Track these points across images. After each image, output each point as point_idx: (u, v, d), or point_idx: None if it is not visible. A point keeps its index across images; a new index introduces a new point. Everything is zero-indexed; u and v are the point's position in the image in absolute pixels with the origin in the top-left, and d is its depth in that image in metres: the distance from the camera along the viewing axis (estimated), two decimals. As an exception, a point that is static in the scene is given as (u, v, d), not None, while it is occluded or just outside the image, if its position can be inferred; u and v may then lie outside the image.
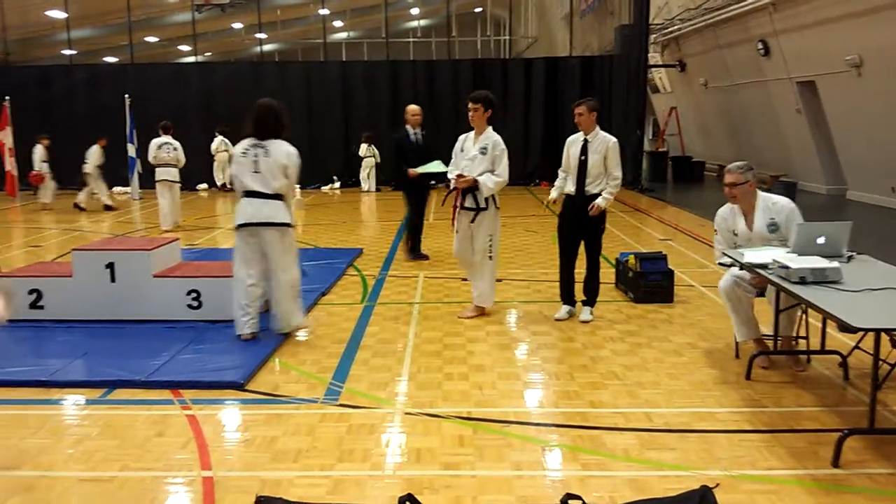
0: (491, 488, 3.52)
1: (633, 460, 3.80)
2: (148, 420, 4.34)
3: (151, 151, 12.25)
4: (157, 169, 12.23)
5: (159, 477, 3.65)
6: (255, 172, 5.68)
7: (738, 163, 5.10)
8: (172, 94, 18.19)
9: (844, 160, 14.75)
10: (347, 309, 6.84)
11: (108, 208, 15.01)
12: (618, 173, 6.20)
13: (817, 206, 13.66)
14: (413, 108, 8.98)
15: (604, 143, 6.17)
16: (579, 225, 6.30)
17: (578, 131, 6.28)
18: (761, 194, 5.07)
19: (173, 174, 12.32)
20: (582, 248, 6.41)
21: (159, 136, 12.32)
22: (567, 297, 6.53)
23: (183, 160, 12.56)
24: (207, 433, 4.14)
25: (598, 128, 6.23)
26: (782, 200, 5.06)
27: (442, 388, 4.81)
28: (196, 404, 4.56)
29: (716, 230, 5.29)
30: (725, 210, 5.18)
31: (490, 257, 6.48)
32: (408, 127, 8.88)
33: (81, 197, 15.12)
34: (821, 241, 4.61)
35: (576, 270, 6.52)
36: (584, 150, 6.18)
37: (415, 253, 9.10)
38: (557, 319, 6.40)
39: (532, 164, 18.82)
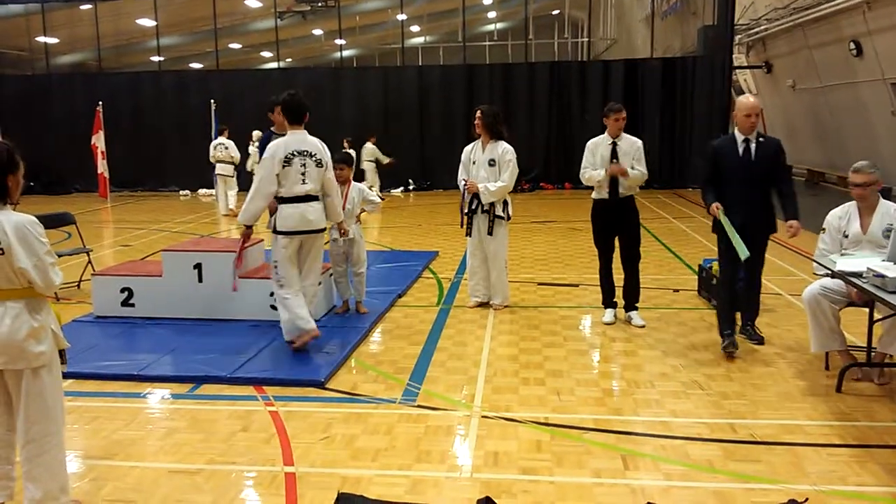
0: (571, 495, 3.48)
1: (717, 472, 3.70)
2: (233, 415, 4.47)
3: (211, 151, 14.98)
4: (216, 165, 14.88)
5: (244, 471, 3.75)
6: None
7: (864, 162, 4.95)
8: (255, 99, 18.70)
9: (943, 165, 14.02)
10: (423, 311, 6.89)
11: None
12: (646, 170, 6.34)
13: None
14: None
15: (632, 145, 6.24)
16: (615, 227, 6.35)
17: (599, 135, 6.38)
18: (882, 199, 4.95)
19: (227, 170, 14.89)
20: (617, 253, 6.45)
21: (216, 137, 15.14)
22: (609, 300, 6.50)
23: (237, 157, 14.92)
24: (289, 429, 4.23)
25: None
26: None
27: (518, 393, 4.79)
28: (278, 401, 4.67)
29: (823, 229, 5.10)
30: (840, 210, 5.05)
31: (502, 259, 6.81)
32: None
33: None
34: (920, 249, 4.38)
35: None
36: (615, 153, 6.19)
37: None
38: (606, 323, 6.37)
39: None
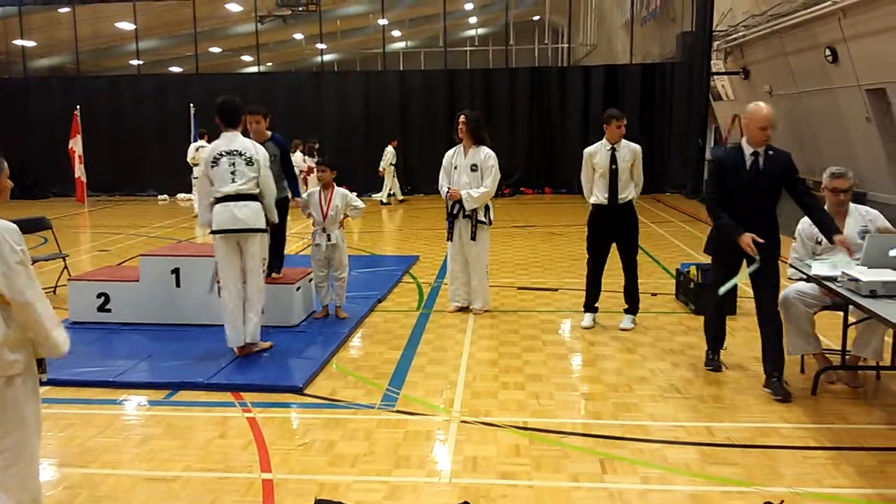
0: (549, 499, 3.49)
1: (694, 475, 3.72)
2: (210, 422, 4.44)
3: (190, 153, 14.95)
4: (194, 168, 14.54)
5: (221, 478, 3.72)
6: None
7: (840, 168, 4.97)
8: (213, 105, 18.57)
9: (917, 170, 14.22)
10: (403, 316, 6.88)
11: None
12: (641, 178, 6.38)
13: (887, 217, 13.16)
14: None
15: (631, 151, 6.25)
16: (614, 232, 6.34)
17: (597, 141, 6.38)
18: (851, 203, 5.01)
19: None
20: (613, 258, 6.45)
21: (196, 140, 15.25)
22: (591, 304, 6.53)
23: None
24: (267, 436, 4.21)
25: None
26: (875, 211, 5.03)
27: (498, 397, 4.79)
28: (256, 407, 4.64)
29: (795, 237, 5.14)
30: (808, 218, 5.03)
31: (483, 264, 6.82)
32: None
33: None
34: (893, 253, 4.44)
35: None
36: (614, 159, 6.20)
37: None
38: (585, 327, 6.40)
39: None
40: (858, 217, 4.93)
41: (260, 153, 5.53)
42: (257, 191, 5.49)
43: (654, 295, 7.45)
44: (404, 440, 4.13)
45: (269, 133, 6.42)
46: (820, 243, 4.96)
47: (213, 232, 5.44)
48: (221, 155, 5.40)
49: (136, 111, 19.59)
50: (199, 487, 3.63)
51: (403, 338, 6.15)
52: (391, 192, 17.47)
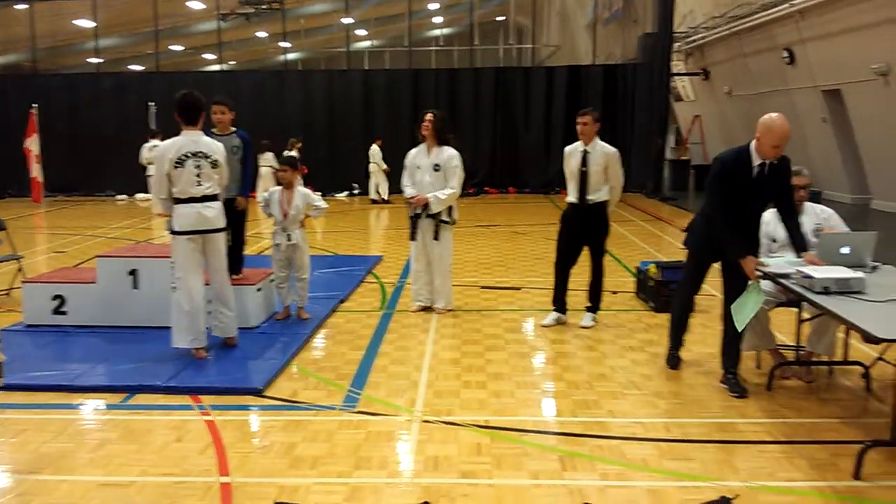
0: (509, 497, 3.50)
1: (652, 470, 3.76)
2: (167, 425, 4.38)
3: (143, 153, 15.15)
4: (148, 167, 14.89)
5: (178, 482, 3.67)
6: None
7: (797, 166, 4.98)
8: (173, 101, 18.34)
9: (870, 169, 14.57)
10: (366, 316, 6.86)
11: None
12: (618, 182, 6.34)
13: (842, 216, 13.44)
14: None
15: (604, 155, 6.23)
16: (583, 232, 6.36)
17: (575, 141, 6.35)
18: (806, 202, 5.10)
19: None
20: (583, 257, 6.48)
21: (148, 141, 15.30)
22: (560, 303, 6.55)
23: None
24: (226, 439, 4.16)
25: (597, 138, 6.28)
26: (829, 209, 5.12)
27: (460, 396, 4.80)
28: (215, 410, 4.59)
29: None
30: (767, 216, 5.09)
31: (447, 263, 6.81)
32: None
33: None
34: (845, 251, 4.55)
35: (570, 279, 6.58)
36: (585, 161, 6.23)
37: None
38: (544, 326, 6.46)
39: (553, 171, 18.71)
40: (813, 215, 5.03)
41: (221, 153, 5.49)
42: (218, 192, 5.48)
43: (615, 293, 7.53)
44: (365, 441, 4.12)
45: (233, 129, 6.41)
46: (776, 241, 5.05)
47: (177, 233, 5.37)
48: (187, 156, 5.31)
49: (94, 110, 19.24)
50: (155, 492, 3.58)
51: (366, 338, 6.13)
52: (378, 191, 17.54)
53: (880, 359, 4.98)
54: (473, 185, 18.62)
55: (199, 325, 5.43)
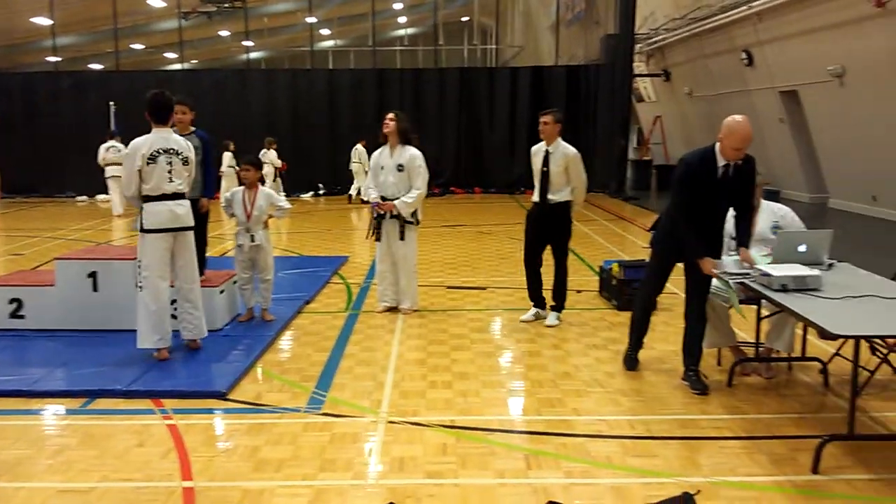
0: (474, 497, 3.51)
1: (616, 468, 3.80)
2: (128, 430, 4.31)
3: (101, 154, 14.98)
4: (106, 168, 14.91)
5: (139, 488, 3.62)
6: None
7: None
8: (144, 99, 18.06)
9: (826, 169, 14.89)
10: (331, 317, 6.82)
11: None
12: (580, 182, 6.38)
13: (799, 215, 13.71)
14: None
15: (564, 156, 6.29)
16: (545, 231, 6.42)
17: (540, 141, 6.41)
18: (763, 200, 5.19)
19: (119, 171, 14.78)
20: (548, 255, 6.54)
21: (106, 142, 15.14)
22: (535, 299, 6.62)
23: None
24: (189, 443, 4.11)
25: (559, 139, 6.34)
26: (786, 207, 5.21)
27: (426, 397, 4.80)
28: (177, 414, 4.52)
29: None
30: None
31: (412, 264, 6.82)
32: None
33: None
34: (802, 249, 4.64)
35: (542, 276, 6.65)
36: (546, 161, 6.29)
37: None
38: (523, 321, 6.52)
39: (517, 171, 18.85)
40: (770, 214, 5.13)
41: (191, 151, 5.52)
42: (187, 189, 5.50)
43: (579, 292, 7.59)
44: (330, 443, 4.10)
45: (193, 128, 6.38)
46: (734, 239, 5.14)
47: (146, 231, 5.31)
48: (159, 153, 5.29)
49: (53, 109, 18.86)
50: (116, 498, 3.52)
51: (331, 339, 6.10)
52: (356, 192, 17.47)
53: (837, 354, 5.09)
54: (439, 185, 18.65)
55: (165, 326, 5.39)
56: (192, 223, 5.51)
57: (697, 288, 4.84)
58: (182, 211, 5.41)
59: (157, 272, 5.36)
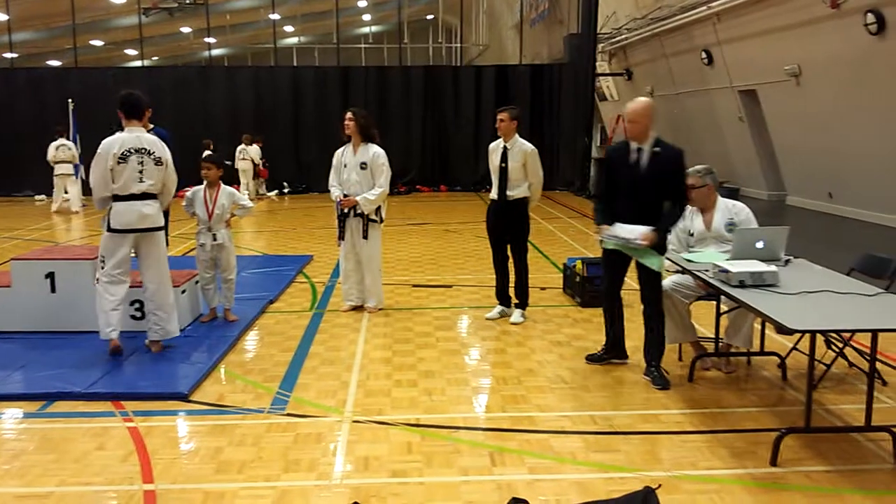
0: (438, 495, 3.52)
1: (579, 463, 3.84)
2: (88, 433, 4.24)
3: (50, 153, 14.98)
4: (56, 165, 14.98)
5: (99, 491, 3.56)
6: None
7: (698, 167, 5.21)
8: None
9: (784, 167, 15.16)
10: (296, 317, 6.78)
11: None
12: (537, 178, 6.44)
13: (758, 212, 13.86)
14: None
15: (522, 152, 6.34)
16: (503, 228, 6.47)
17: (499, 138, 6.45)
18: (720, 198, 5.24)
19: (68, 169, 15.20)
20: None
21: (56, 139, 15.06)
22: (500, 296, 6.67)
23: (78, 157, 15.12)
24: (150, 445, 4.05)
25: (517, 136, 6.40)
26: (740, 204, 5.28)
27: (391, 395, 4.80)
28: (138, 416, 4.46)
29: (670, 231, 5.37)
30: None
31: (377, 262, 6.82)
32: None
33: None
34: (759, 245, 4.73)
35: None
36: (504, 158, 6.34)
37: None
38: (488, 319, 6.56)
39: (483, 169, 18.76)
40: (725, 211, 5.20)
41: (167, 152, 5.44)
42: (159, 191, 5.42)
43: (543, 289, 7.64)
44: (294, 443, 4.07)
45: (151, 126, 6.31)
46: (692, 235, 5.22)
47: (113, 230, 5.24)
48: (131, 152, 5.21)
49: (10, 107, 18.43)
50: (75, 502, 3.46)
51: (296, 339, 6.06)
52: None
53: (795, 349, 5.20)
54: (405, 183, 18.64)
55: (118, 318, 5.38)
56: (160, 223, 5.44)
57: (646, 281, 4.97)
58: (150, 211, 5.33)
59: (118, 271, 5.30)
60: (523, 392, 4.83)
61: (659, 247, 4.86)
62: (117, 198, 5.25)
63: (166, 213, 6.26)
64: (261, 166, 17.72)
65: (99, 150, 5.26)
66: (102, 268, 5.34)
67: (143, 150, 5.27)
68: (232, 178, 16.50)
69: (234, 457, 3.91)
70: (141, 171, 5.26)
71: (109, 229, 5.28)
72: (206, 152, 15.79)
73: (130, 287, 5.50)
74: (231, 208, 6.46)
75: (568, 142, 18.41)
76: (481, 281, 8.18)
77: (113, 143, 5.22)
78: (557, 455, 3.92)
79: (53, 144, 15.01)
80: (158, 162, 5.35)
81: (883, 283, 4.56)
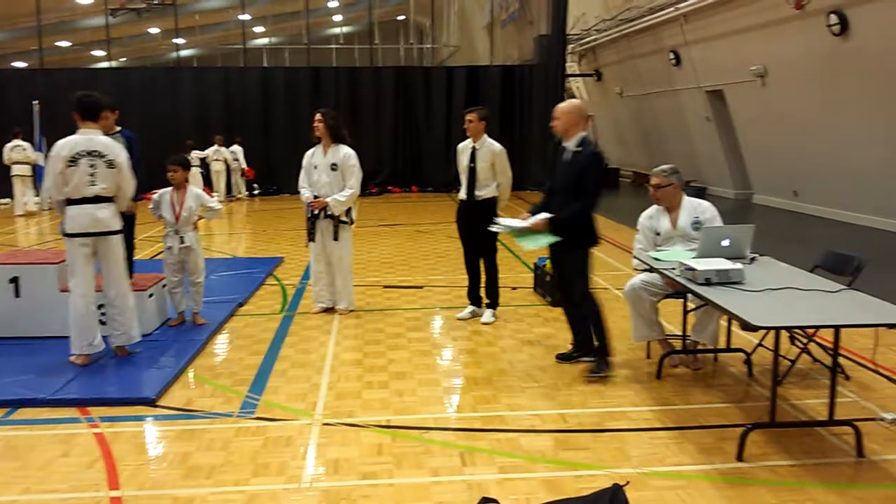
0: (409, 496, 3.52)
1: (548, 461, 3.86)
2: (53, 440, 4.17)
3: (5, 154, 15.03)
4: (12, 167, 15.10)
5: (64, 499, 3.51)
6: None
7: (664, 166, 5.27)
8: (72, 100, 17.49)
9: (750, 165, 15.39)
10: (266, 319, 6.73)
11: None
12: (506, 178, 6.51)
13: (725, 210, 14.12)
14: None
15: (490, 152, 6.40)
16: (471, 229, 6.50)
17: (468, 138, 6.49)
18: (686, 197, 5.29)
19: (25, 170, 15.30)
20: None
21: (10, 141, 15.08)
22: (471, 296, 6.69)
23: (34, 157, 15.16)
24: (116, 452, 4.00)
25: (486, 136, 6.44)
26: (706, 203, 5.34)
27: (361, 397, 4.78)
28: (104, 422, 4.40)
29: (638, 230, 5.43)
30: (650, 210, 5.36)
31: (347, 264, 6.81)
32: None
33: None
34: (725, 243, 4.79)
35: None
36: (473, 158, 6.39)
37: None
38: (460, 319, 6.59)
39: (454, 170, 18.82)
40: (691, 209, 5.25)
41: (122, 154, 5.29)
42: (114, 193, 5.28)
43: (514, 289, 7.67)
44: (263, 447, 4.04)
45: (118, 128, 6.23)
46: (659, 234, 5.27)
47: (68, 235, 5.15)
48: (81, 155, 5.09)
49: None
50: (39, 511, 3.41)
51: (265, 342, 6.02)
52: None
53: (760, 345, 5.27)
54: (377, 184, 18.60)
55: (93, 332, 5.25)
56: (116, 227, 5.32)
57: (571, 277, 5.16)
58: (104, 215, 5.20)
59: (81, 276, 5.21)
60: (494, 392, 4.85)
61: (554, 234, 4.98)
62: (71, 201, 5.15)
63: (132, 217, 6.19)
64: (246, 166, 17.83)
65: (50, 153, 5.17)
66: (67, 277, 5.24)
67: (94, 153, 5.13)
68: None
69: (202, 462, 3.87)
70: (92, 175, 5.12)
71: (65, 233, 5.18)
72: (194, 152, 15.90)
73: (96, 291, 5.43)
74: (198, 210, 6.40)
75: (538, 142, 18.48)
76: (452, 281, 8.19)
77: (63, 146, 5.11)
78: (527, 454, 3.94)
79: (8, 146, 15.00)
80: (111, 165, 5.19)
81: (845, 280, 4.65)
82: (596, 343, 5.15)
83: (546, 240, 4.98)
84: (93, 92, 5.37)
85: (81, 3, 23.18)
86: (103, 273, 5.36)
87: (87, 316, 5.22)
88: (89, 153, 5.12)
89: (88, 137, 5.18)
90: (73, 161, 5.09)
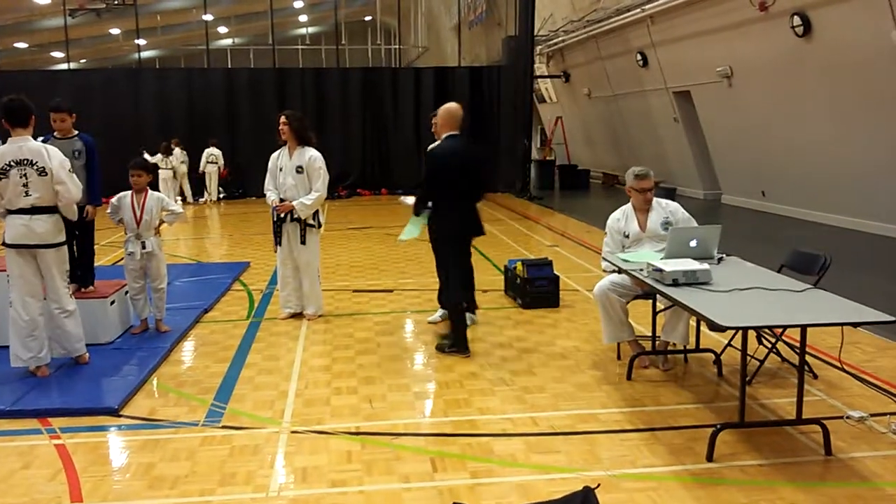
0: (379, 503, 3.46)
1: (520, 465, 3.83)
2: (13, 452, 4.05)
3: None
4: None
5: (22, 514, 3.40)
6: None
7: (644, 168, 5.27)
8: (44, 101, 17.13)
9: (718, 166, 15.56)
10: (232, 326, 6.62)
11: None
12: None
13: (694, 211, 14.14)
14: None
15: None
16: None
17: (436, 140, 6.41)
18: (654, 198, 5.32)
19: None
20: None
21: None
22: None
23: None
24: (78, 463, 3.89)
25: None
26: (674, 203, 5.38)
27: (330, 404, 4.71)
28: (66, 433, 4.28)
29: (606, 232, 5.43)
30: (618, 213, 5.37)
31: (315, 268, 6.75)
32: None
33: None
34: (693, 244, 4.81)
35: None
36: None
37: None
38: (430, 322, 6.57)
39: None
40: (660, 210, 5.28)
41: (54, 159, 4.96)
42: (53, 202, 5.01)
43: (485, 291, 7.64)
44: (230, 456, 3.96)
45: (76, 131, 6.08)
46: (627, 236, 5.28)
47: (6, 245, 4.98)
48: (11, 166, 4.84)
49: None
50: (-5, 527, 3.30)
51: (232, 349, 5.92)
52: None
53: (729, 345, 5.30)
54: (346, 186, 18.48)
55: (38, 342, 5.07)
56: (53, 241, 5.02)
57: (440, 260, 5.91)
58: (40, 228, 4.94)
59: (23, 287, 5.02)
60: (465, 395, 4.81)
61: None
62: (10, 211, 4.95)
63: (92, 223, 6.04)
64: (223, 167, 17.80)
65: None
66: (10, 286, 5.06)
67: (24, 161, 4.86)
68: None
69: (166, 472, 3.78)
70: (25, 185, 4.87)
71: (4, 244, 5.00)
72: (176, 150, 15.74)
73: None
74: (160, 214, 6.26)
75: (508, 143, 18.52)
76: (423, 285, 8.14)
77: None
78: (499, 458, 3.91)
79: None
80: (42, 172, 4.90)
81: (812, 279, 4.69)
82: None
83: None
84: (20, 95, 5.05)
85: (39, 4, 22.72)
86: (46, 286, 5.14)
87: (30, 326, 5.02)
88: (18, 163, 4.85)
89: (18, 146, 4.90)
90: (3, 173, 4.84)
